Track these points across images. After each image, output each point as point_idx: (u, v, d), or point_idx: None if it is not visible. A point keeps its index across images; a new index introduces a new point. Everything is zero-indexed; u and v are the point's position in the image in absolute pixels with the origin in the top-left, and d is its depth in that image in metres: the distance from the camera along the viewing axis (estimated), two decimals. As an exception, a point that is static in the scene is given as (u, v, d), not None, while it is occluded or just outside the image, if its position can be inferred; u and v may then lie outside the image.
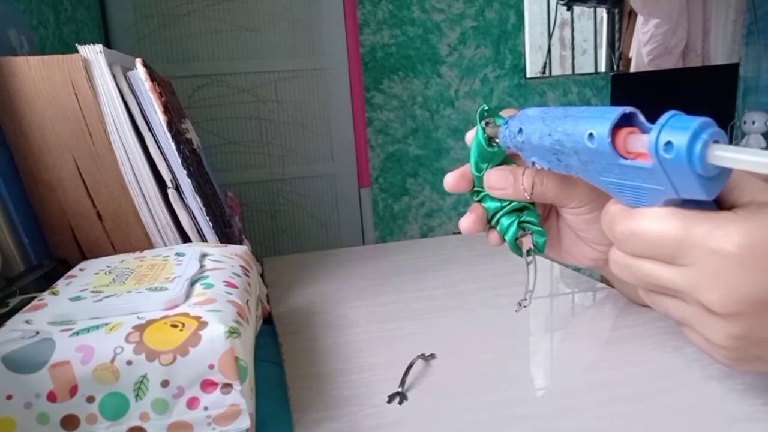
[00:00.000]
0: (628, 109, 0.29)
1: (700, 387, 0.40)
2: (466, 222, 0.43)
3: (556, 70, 2.37)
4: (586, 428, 0.36)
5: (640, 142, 0.28)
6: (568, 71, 2.43)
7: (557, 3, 2.32)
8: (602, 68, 2.43)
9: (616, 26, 2.40)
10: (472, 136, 0.41)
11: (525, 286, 0.42)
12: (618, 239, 0.32)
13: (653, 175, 0.28)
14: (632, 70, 2.36)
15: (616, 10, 2.39)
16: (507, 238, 0.42)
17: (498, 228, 0.42)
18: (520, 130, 0.35)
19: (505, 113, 0.40)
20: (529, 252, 0.41)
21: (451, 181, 0.43)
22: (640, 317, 0.51)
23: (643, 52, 2.33)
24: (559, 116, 0.32)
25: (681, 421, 0.36)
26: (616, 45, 2.39)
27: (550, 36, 2.34)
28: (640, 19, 2.34)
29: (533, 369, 0.46)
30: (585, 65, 2.45)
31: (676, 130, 0.26)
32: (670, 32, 2.30)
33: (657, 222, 0.29)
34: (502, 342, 0.49)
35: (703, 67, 2.30)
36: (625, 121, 0.29)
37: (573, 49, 2.45)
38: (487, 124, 0.40)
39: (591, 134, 0.29)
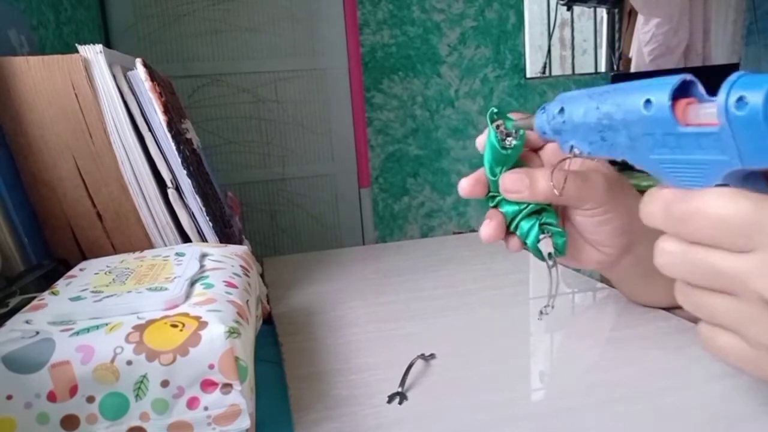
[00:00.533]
0: (688, 76, 0.27)
1: (700, 387, 0.40)
2: (488, 230, 0.41)
3: (556, 70, 2.37)
4: (586, 428, 0.36)
5: (701, 111, 0.26)
6: (568, 71, 2.44)
7: (557, 3, 2.32)
8: (602, 68, 2.43)
9: (616, 26, 2.40)
10: (482, 141, 0.40)
11: (548, 291, 0.41)
12: (673, 222, 0.28)
13: (718, 142, 0.25)
14: (632, 69, 2.36)
15: (616, 10, 2.39)
16: (529, 242, 0.41)
17: (518, 232, 0.41)
18: (561, 110, 0.33)
19: (513, 116, 0.40)
20: (550, 255, 0.40)
21: (466, 187, 0.41)
22: (640, 317, 0.51)
23: (645, 51, 2.33)
24: (607, 90, 0.31)
25: (681, 421, 0.36)
26: (616, 45, 2.40)
27: (550, 36, 2.34)
28: (640, 19, 2.34)
29: (533, 369, 0.45)
30: (585, 65, 2.46)
31: (750, 86, 0.24)
32: (671, 32, 2.30)
33: (723, 201, 0.26)
34: (502, 342, 0.49)
35: (703, 67, 2.30)
36: (682, 91, 0.27)
37: (573, 49, 2.45)
38: (497, 126, 0.39)
39: (648, 101, 0.28)
